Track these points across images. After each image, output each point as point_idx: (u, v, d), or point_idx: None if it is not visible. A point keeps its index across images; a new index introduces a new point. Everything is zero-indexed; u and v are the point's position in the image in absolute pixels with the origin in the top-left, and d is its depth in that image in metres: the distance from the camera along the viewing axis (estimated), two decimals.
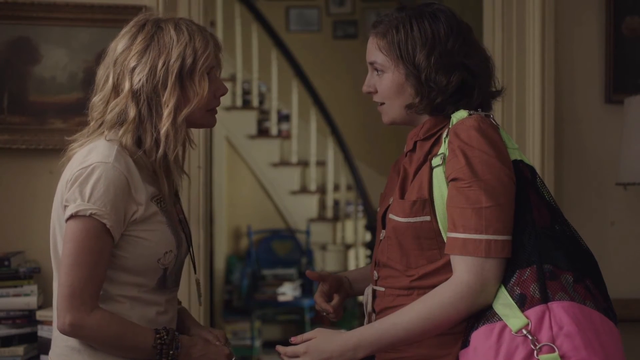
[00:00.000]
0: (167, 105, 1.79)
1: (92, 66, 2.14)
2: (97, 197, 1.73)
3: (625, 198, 3.13)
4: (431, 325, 1.65)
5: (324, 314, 2.02)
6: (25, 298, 2.63)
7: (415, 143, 1.81)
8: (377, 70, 1.80)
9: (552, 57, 3.05)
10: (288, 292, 6.02)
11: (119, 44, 1.83)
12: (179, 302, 2.02)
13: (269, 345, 6.16)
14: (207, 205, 3.01)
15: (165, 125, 1.79)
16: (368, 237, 6.11)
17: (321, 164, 6.83)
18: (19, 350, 2.59)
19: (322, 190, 6.81)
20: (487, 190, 1.62)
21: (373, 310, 1.86)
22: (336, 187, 6.77)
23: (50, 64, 2.83)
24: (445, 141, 1.70)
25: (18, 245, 2.79)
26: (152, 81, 1.79)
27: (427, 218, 1.71)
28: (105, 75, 1.84)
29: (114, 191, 1.74)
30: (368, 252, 6.02)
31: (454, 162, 1.65)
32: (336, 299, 2.03)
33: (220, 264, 6.40)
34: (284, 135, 6.81)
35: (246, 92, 6.75)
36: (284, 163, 6.75)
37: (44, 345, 2.59)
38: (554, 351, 1.55)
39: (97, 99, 1.85)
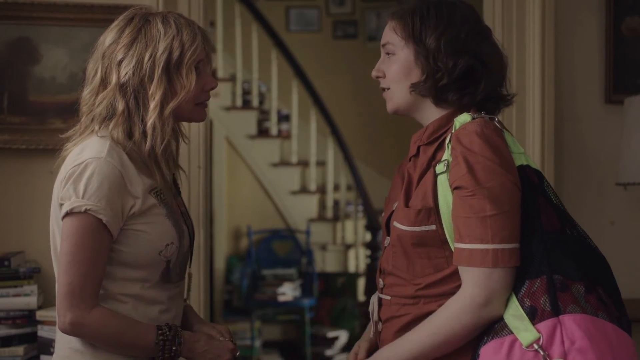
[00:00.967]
0: (154, 98, 1.79)
1: None
2: (91, 192, 1.72)
3: (625, 198, 3.13)
4: (440, 341, 1.62)
5: None
6: (25, 298, 2.63)
7: (418, 148, 1.78)
8: (388, 53, 1.79)
9: (552, 57, 3.05)
10: (288, 292, 6.02)
11: (107, 37, 1.84)
12: (184, 300, 2.01)
13: (269, 345, 6.16)
14: (207, 205, 3.00)
15: (151, 118, 1.79)
16: (368, 237, 6.11)
17: (321, 164, 6.82)
18: (19, 350, 2.59)
19: (322, 190, 6.81)
20: (490, 198, 1.58)
21: (379, 319, 1.83)
22: (336, 187, 6.76)
23: (50, 64, 2.83)
24: (448, 147, 1.66)
25: (18, 246, 2.79)
26: (138, 74, 1.79)
27: (433, 227, 1.68)
28: (94, 69, 1.84)
29: (108, 186, 1.73)
30: (368, 252, 6.01)
31: (457, 169, 1.62)
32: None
33: (220, 264, 6.40)
34: (284, 135, 6.80)
35: (246, 92, 6.75)
36: (284, 163, 6.74)
37: (44, 346, 2.59)
38: None
39: (86, 92, 1.85)
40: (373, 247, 5.92)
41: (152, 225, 1.80)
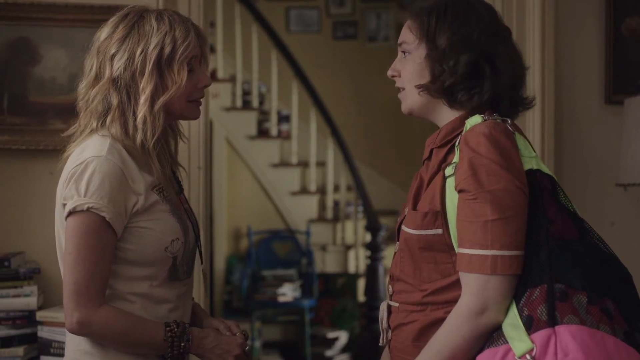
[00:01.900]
0: (144, 92, 1.79)
1: None
2: (93, 190, 1.73)
3: (625, 199, 3.12)
4: (448, 355, 1.58)
5: None
6: (25, 299, 2.63)
7: (431, 151, 1.74)
8: (404, 52, 1.76)
9: (551, 58, 3.05)
10: (288, 292, 6.02)
11: (102, 33, 1.86)
12: (192, 298, 2.01)
13: (269, 346, 6.16)
14: (207, 206, 3.00)
15: (141, 112, 1.79)
16: (368, 237, 6.11)
17: (321, 164, 6.82)
18: (19, 351, 2.59)
19: (322, 190, 6.81)
20: (493, 202, 1.54)
21: (388, 326, 1.79)
22: (336, 188, 6.76)
23: (51, 65, 2.82)
24: (457, 149, 1.63)
25: (18, 246, 2.79)
26: (130, 68, 1.80)
27: (439, 231, 1.64)
28: (90, 64, 1.86)
29: (109, 183, 1.74)
30: (368, 252, 6.02)
31: (461, 172, 1.58)
32: None
33: (220, 264, 6.40)
34: (284, 136, 6.80)
35: (246, 93, 6.75)
36: (284, 164, 6.75)
37: (44, 346, 2.59)
38: None
39: (81, 87, 1.87)
40: (373, 247, 5.92)
41: (156, 221, 1.80)
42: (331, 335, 6.04)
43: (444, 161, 1.69)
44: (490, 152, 1.57)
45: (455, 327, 1.57)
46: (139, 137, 1.80)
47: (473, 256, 1.55)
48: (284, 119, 6.85)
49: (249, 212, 6.60)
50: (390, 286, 1.80)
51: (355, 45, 7.52)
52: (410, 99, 1.76)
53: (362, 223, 6.52)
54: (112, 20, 1.86)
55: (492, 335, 1.55)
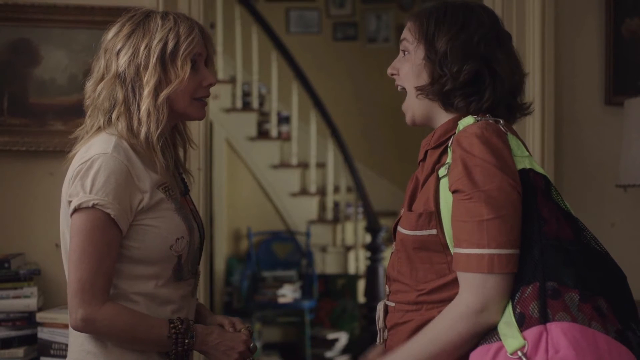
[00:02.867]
0: (148, 85, 1.81)
1: None
2: (99, 187, 1.74)
3: (625, 200, 3.12)
4: (439, 349, 1.59)
5: None
6: (25, 300, 2.63)
7: (426, 152, 1.75)
8: (404, 51, 1.77)
9: (551, 59, 3.05)
10: (288, 293, 6.02)
11: (110, 32, 1.89)
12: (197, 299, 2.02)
13: (269, 347, 6.16)
14: (207, 207, 3.01)
15: (145, 104, 1.81)
16: (368, 238, 6.11)
17: (321, 165, 6.83)
18: (19, 352, 2.59)
19: (322, 192, 6.81)
20: (488, 201, 1.54)
21: (385, 326, 1.81)
22: (336, 189, 6.76)
23: (51, 66, 2.83)
24: (449, 149, 1.64)
25: (18, 247, 2.79)
26: (134, 63, 1.83)
27: (434, 232, 1.65)
28: (98, 62, 1.89)
29: (115, 181, 1.75)
30: (368, 253, 6.02)
31: (455, 172, 1.59)
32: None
33: (220, 265, 6.40)
34: (284, 137, 6.81)
35: (246, 94, 6.76)
36: (284, 165, 6.75)
37: (44, 347, 2.59)
38: None
39: (88, 84, 1.89)
40: (373, 248, 5.92)
41: (162, 219, 1.81)
42: (331, 336, 6.04)
43: (438, 162, 1.70)
44: (483, 152, 1.57)
45: (451, 322, 1.57)
46: (142, 131, 1.81)
47: (470, 255, 1.56)
48: (284, 120, 6.85)
49: (249, 213, 6.61)
50: (387, 286, 1.81)
51: (355, 47, 7.53)
52: (411, 106, 1.77)
53: (362, 224, 6.52)
54: (119, 20, 1.90)
55: (487, 332, 1.56)
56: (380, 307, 1.84)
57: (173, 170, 1.94)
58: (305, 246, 6.49)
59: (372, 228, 5.99)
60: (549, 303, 1.51)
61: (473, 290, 1.55)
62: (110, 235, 1.75)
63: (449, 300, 1.63)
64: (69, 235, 1.80)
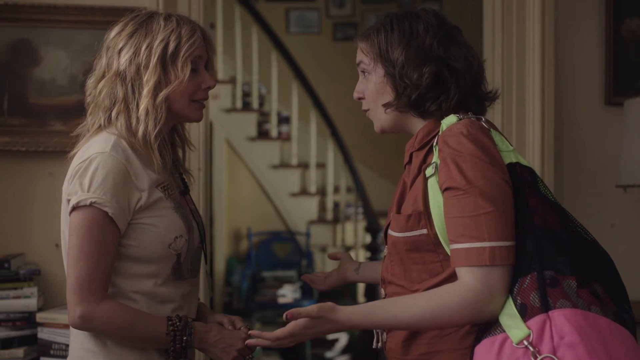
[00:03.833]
0: (148, 84, 1.83)
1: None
2: (96, 186, 1.76)
3: (625, 200, 3.13)
4: (433, 324, 1.62)
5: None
6: (25, 300, 2.63)
7: (411, 155, 1.78)
8: (363, 72, 1.80)
9: (552, 59, 3.05)
10: (288, 294, 6.02)
11: (112, 32, 1.91)
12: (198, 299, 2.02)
13: (269, 348, 6.15)
14: (207, 207, 3.01)
15: (144, 103, 1.83)
16: (368, 239, 6.11)
17: (321, 165, 6.83)
18: (19, 352, 2.59)
19: (322, 192, 6.82)
20: (483, 196, 1.56)
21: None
22: (336, 189, 6.77)
23: (51, 66, 2.83)
24: (435, 149, 1.66)
25: (18, 247, 2.79)
26: (135, 62, 1.84)
27: (424, 231, 1.67)
28: (100, 60, 1.90)
29: (113, 179, 1.76)
30: (368, 254, 6.02)
31: (446, 171, 1.61)
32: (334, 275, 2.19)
33: (220, 265, 6.40)
34: (284, 137, 6.81)
35: (246, 94, 6.76)
36: (284, 165, 6.75)
37: (44, 348, 2.59)
38: None
39: (90, 81, 1.91)
40: (373, 249, 5.92)
41: (160, 218, 1.82)
42: (331, 336, 6.04)
43: (424, 162, 1.72)
44: (472, 149, 1.60)
45: (457, 306, 1.57)
46: (140, 129, 1.83)
47: (470, 249, 1.57)
48: (284, 120, 6.85)
49: (249, 213, 6.61)
50: (382, 289, 1.82)
51: (355, 47, 7.52)
52: (379, 118, 1.80)
53: (362, 224, 6.52)
54: (123, 19, 1.91)
55: (490, 325, 1.58)
56: None
57: (172, 169, 1.95)
58: (305, 246, 6.49)
59: (372, 228, 5.99)
60: (549, 291, 1.54)
61: (480, 279, 1.56)
62: (108, 233, 1.76)
63: None
64: (68, 233, 1.81)
